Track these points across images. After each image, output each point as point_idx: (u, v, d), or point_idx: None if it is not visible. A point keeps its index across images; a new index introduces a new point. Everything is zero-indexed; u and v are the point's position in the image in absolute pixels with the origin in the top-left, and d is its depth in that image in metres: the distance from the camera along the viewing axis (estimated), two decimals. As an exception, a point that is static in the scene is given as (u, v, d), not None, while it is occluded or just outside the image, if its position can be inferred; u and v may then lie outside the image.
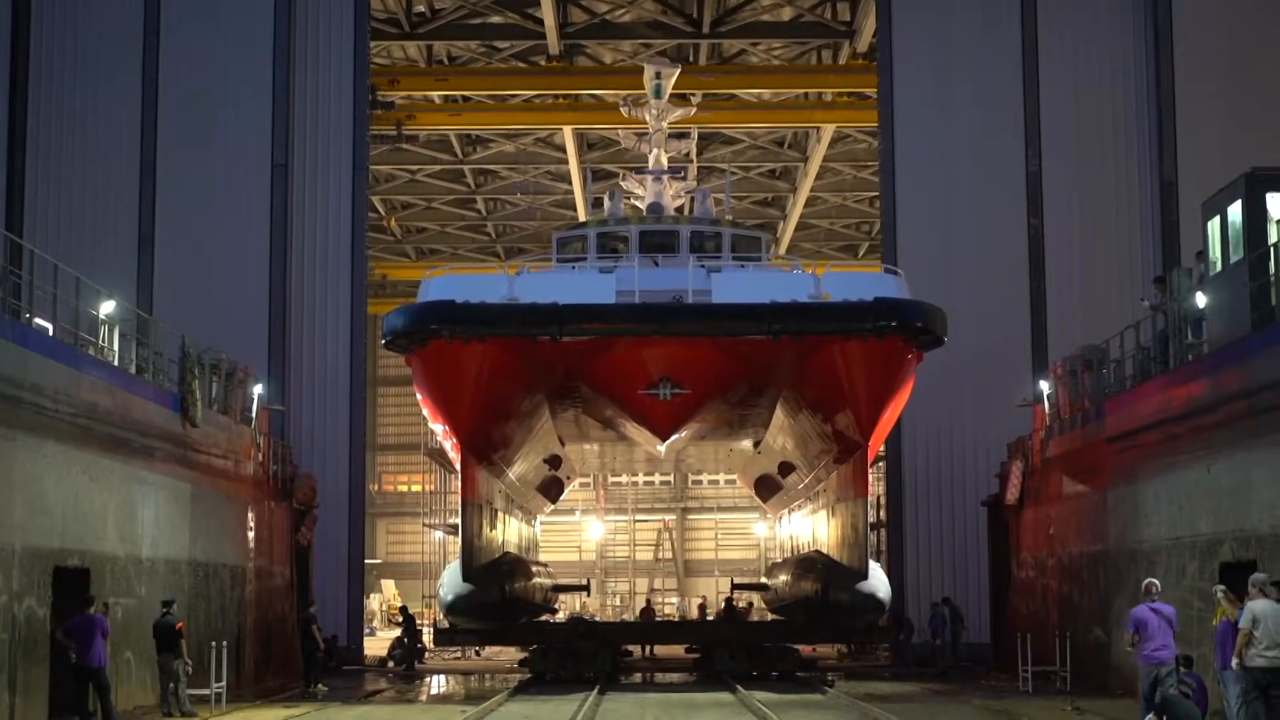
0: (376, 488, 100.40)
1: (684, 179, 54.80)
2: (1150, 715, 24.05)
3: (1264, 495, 28.85)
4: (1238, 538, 30.07)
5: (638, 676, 48.55)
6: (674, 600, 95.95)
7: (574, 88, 68.67)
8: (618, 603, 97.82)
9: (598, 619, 76.73)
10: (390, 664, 52.92)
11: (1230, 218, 31.43)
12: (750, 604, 75.52)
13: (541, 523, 75.67)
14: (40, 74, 55.00)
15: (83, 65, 55.04)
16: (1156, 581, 26.32)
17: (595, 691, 38.83)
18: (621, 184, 53.99)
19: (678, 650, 54.31)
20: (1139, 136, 55.12)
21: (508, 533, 54.77)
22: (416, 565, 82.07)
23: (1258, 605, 24.95)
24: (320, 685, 41.41)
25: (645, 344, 39.64)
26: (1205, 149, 52.66)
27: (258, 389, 46.47)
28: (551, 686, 42.41)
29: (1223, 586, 26.69)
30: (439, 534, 68.43)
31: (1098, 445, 39.07)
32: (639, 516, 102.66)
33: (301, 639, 43.45)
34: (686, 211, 52.71)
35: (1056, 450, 43.54)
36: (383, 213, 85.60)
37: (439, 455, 60.84)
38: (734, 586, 74.08)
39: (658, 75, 52.61)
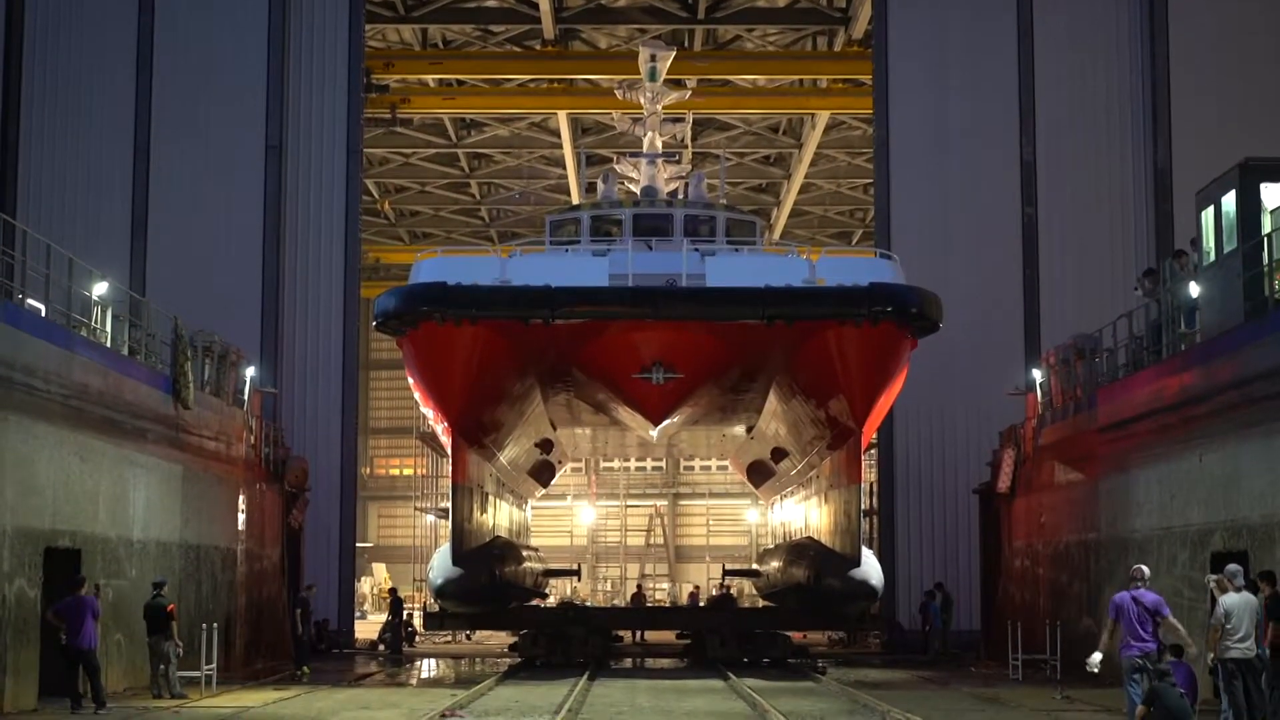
0: (368, 471, 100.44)
1: (678, 163, 54.73)
2: (1139, 707, 24.03)
3: (1255, 485, 28.87)
4: (1229, 528, 30.09)
5: (628, 662, 48.57)
6: (665, 586, 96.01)
7: (569, 72, 68.58)
8: (608, 588, 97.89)
9: (588, 604, 76.79)
10: (381, 647, 52.92)
11: (1224, 207, 31.43)
12: (728, 587, 75.45)
13: (533, 507, 75.69)
14: (34, 54, 54.92)
15: (77, 46, 54.95)
16: (1145, 567, 26.22)
17: (585, 677, 38.84)
18: (616, 167, 53.87)
19: (669, 636, 54.33)
20: (1133, 125, 55.10)
21: (498, 517, 54.78)
22: (408, 549, 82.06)
23: (1229, 598, 25.14)
24: (304, 669, 41.33)
25: (638, 328, 39.57)
26: (1199, 138, 52.72)
27: (250, 372, 46.47)
28: (541, 671, 42.43)
29: (1215, 576, 26.70)
30: (430, 518, 68.40)
31: (1089, 434, 39.07)
32: (630, 502, 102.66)
33: (295, 622, 43.39)
34: (681, 196, 52.64)
35: (1048, 439, 43.54)
36: (376, 196, 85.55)
37: (431, 439, 60.82)
38: (725, 572, 74.02)
39: (652, 58, 52.50)
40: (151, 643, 33.73)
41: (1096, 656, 25.44)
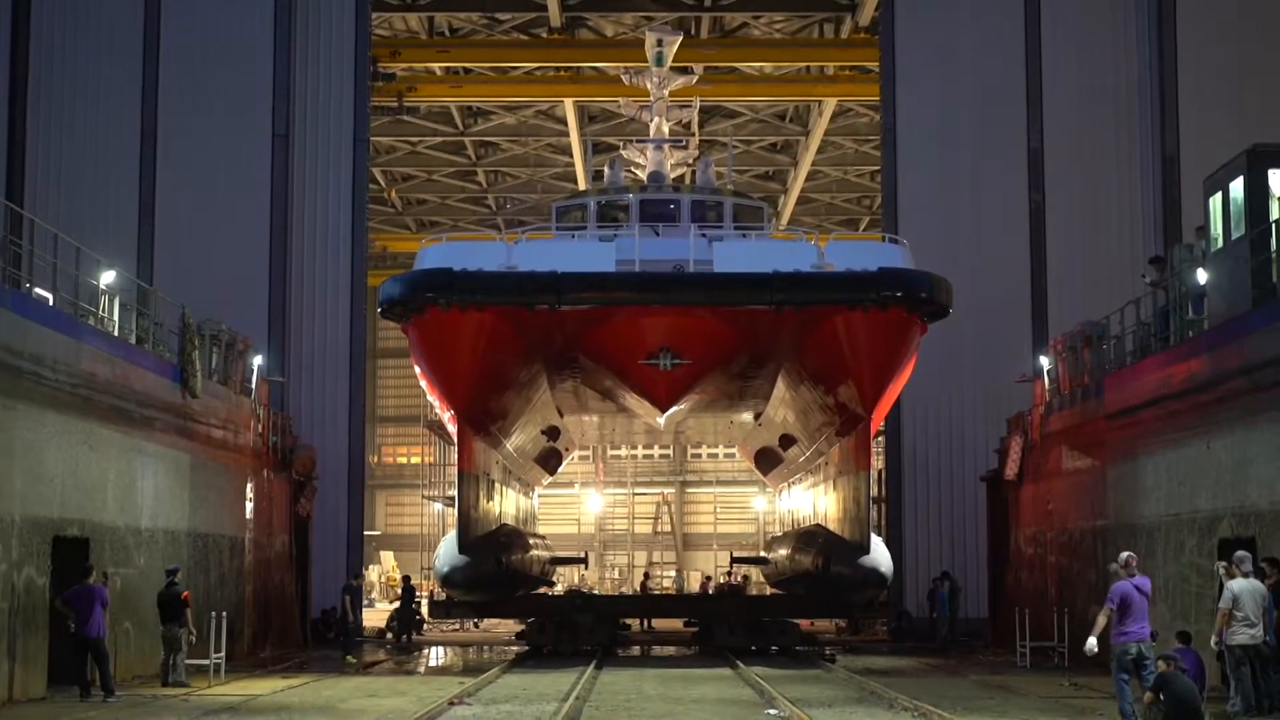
0: (376, 459, 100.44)
1: (685, 149, 54.65)
2: (1148, 694, 23.97)
3: (1263, 472, 28.84)
4: (1236, 514, 30.06)
5: (636, 650, 48.56)
6: (672, 574, 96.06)
7: (575, 60, 68.53)
8: (616, 576, 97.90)
9: (596, 592, 76.78)
10: (389, 635, 52.96)
11: (1232, 194, 31.37)
12: (746, 577, 75.45)
13: (540, 495, 75.66)
14: (41, 44, 54.91)
15: (84, 36, 54.94)
16: (1133, 555, 25.93)
17: (593, 665, 38.83)
18: (623, 153, 53.79)
19: (676, 624, 54.30)
20: (1141, 112, 55.03)
21: (505, 504, 54.74)
22: (415, 537, 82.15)
23: (1236, 584, 25.18)
24: (349, 657, 41.07)
25: (645, 313, 39.44)
26: (1207, 124, 52.59)
27: (257, 360, 46.46)
28: (549, 659, 42.42)
29: (1224, 563, 26.72)
30: (438, 506, 68.50)
31: (1097, 421, 39.04)
32: (638, 489, 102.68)
33: (345, 610, 43.16)
34: (688, 181, 52.53)
35: (1056, 426, 43.52)
36: (383, 184, 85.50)
37: (438, 427, 60.88)
38: (734, 560, 73.95)
39: (659, 43, 52.42)
40: (165, 631, 33.72)
41: (1092, 641, 24.90)
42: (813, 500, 55.26)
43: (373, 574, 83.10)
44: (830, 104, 71.39)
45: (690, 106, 56.51)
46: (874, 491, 50.16)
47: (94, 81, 54.90)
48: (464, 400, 42.07)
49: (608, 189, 48.53)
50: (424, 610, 55.48)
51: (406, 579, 56.64)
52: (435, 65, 69.34)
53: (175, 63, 55.10)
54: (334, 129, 55.38)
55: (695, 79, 57.60)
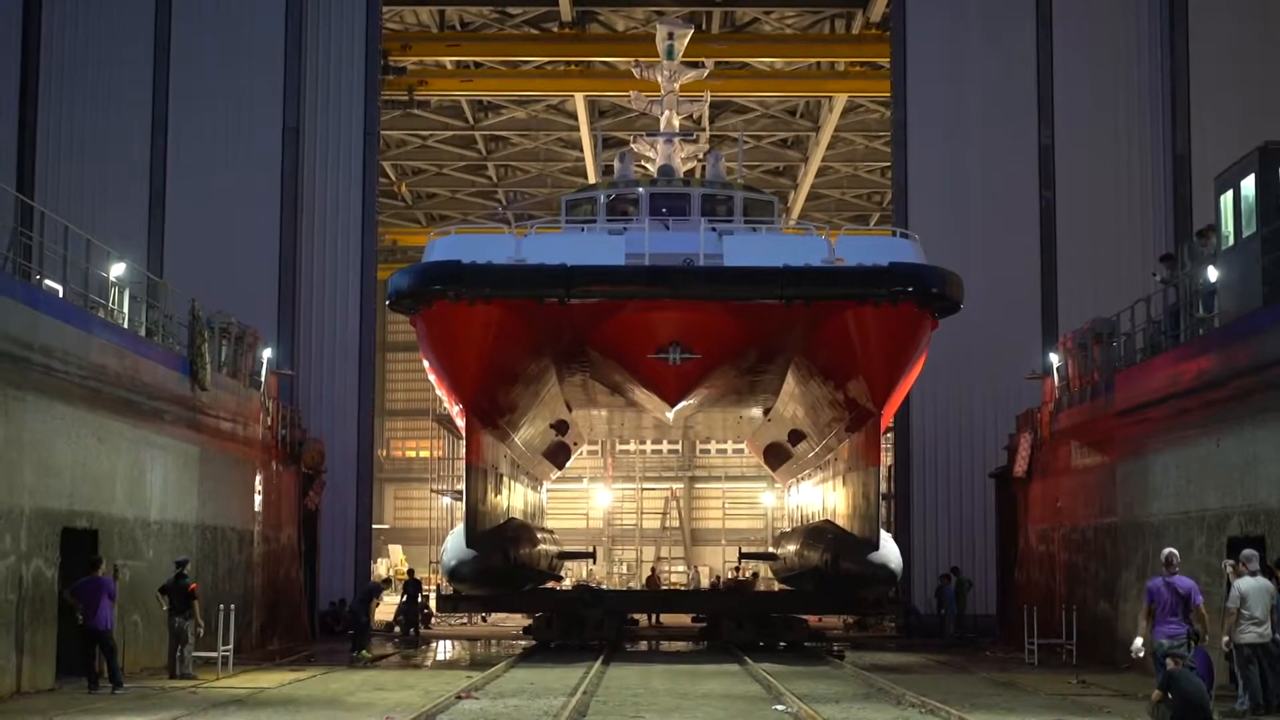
0: (385, 453, 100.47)
1: (696, 143, 54.54)
2: (1155, 691, 23.97)
3: (1273, 470, 28.79)
4: (1246, 513, 30.01)
5: (643, 645, 48.54)
6: (681, 568, 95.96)
7: (586, 55, 68.52)
8: (624, 570, 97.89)
9: (604, 587, 76.77)
10: (396, 629, 52.92)
11: (1243, 191, 31.30)
12: (756, 574, 75.40)
13: (548, 489, 75.65)
14: (51, 34, 55.02)
15: (94, 27, 55.03)
16: (1175, 552, 26.02)
17: (600, 660, 38.80)
18: (633, 147, 53.65)
19: (684, 619, 54.26)
20: (1152, 109, 54.97)
21: (513, 498, 54.71)
22: (424, 531, 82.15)
23: (1244, 583, 25.14)
24: (364, 652, 41.09)
25: (655, 307, 39.29)
26: (1219, 122, 52.61)
27: (267, 353, 46.48)
28: (557, 654, 42.39)
29: (1232, 561, 26.69)
30: (446, 499, 68.45)
31: (1107, 418, 38.97)
32: (646, 484, 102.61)
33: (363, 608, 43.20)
34: (698, 177, 52.45)
35: (1065, 423, 43.45)
36: (393, 178, 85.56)
37: (447, 421, 60.84)
38: (742, 556, 73.90)
39: (670, 36, 52.27)
40: (172, 623, 33.72)
41: (1139, 642, 24.95)
42: (822, 496, 55.21)
43: (381, 567, 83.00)
44: (841, 99, 71.33)
45: (701, 101, 56.43)
46: (883, 488, 50.12)
47: (105, 74, 54.96)
48: (472, 394, 41.96)
49: (617, 183, 48.36)
50: (431, 604, 55.50)
51: (411, 573, 56.53)
52: (446, 59, 69.35)
53: (186, 55, 55.15)
54: (344, 122, 55.38)
55: (706, 73, 57.56)
